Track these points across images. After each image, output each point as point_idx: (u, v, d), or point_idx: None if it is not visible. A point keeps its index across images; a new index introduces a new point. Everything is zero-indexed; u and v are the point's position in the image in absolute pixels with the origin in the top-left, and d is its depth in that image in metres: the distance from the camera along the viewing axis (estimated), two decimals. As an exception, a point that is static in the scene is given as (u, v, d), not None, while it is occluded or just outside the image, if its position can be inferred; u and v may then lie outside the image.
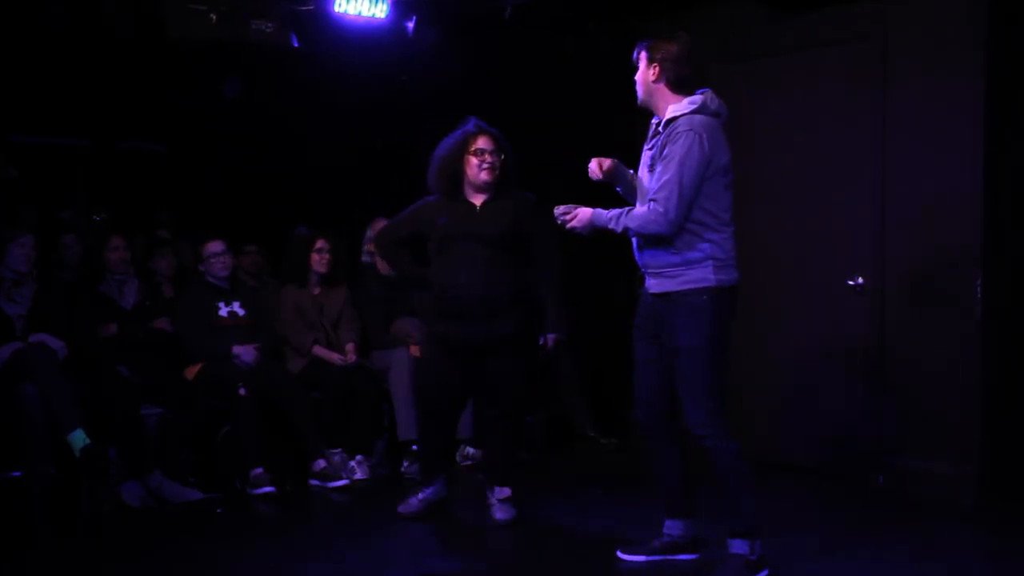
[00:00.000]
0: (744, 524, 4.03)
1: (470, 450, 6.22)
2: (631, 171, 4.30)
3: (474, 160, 4.83)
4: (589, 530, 4.88)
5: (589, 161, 4.22)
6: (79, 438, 4.99)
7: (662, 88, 4.09)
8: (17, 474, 5.02)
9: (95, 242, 6.32)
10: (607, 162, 4.21)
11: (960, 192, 5.33)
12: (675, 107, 4.04)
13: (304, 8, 6.17)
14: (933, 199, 5.45)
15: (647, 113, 4.23)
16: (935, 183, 5.44)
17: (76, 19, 6.14)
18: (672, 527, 4.34)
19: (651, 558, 4.32)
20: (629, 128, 6.87)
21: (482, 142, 4.85)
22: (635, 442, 6.67)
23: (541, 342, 4.98)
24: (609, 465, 6.35)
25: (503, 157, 4.87)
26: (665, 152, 3.97)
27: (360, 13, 6.29)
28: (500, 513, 4.98)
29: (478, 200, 4.89)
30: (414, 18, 6.52)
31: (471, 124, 4.92)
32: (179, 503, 5.39)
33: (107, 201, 7.86)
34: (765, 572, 4.03)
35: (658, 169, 3.98)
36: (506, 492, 5.01)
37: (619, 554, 4.37)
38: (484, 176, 4.83)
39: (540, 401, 6.82)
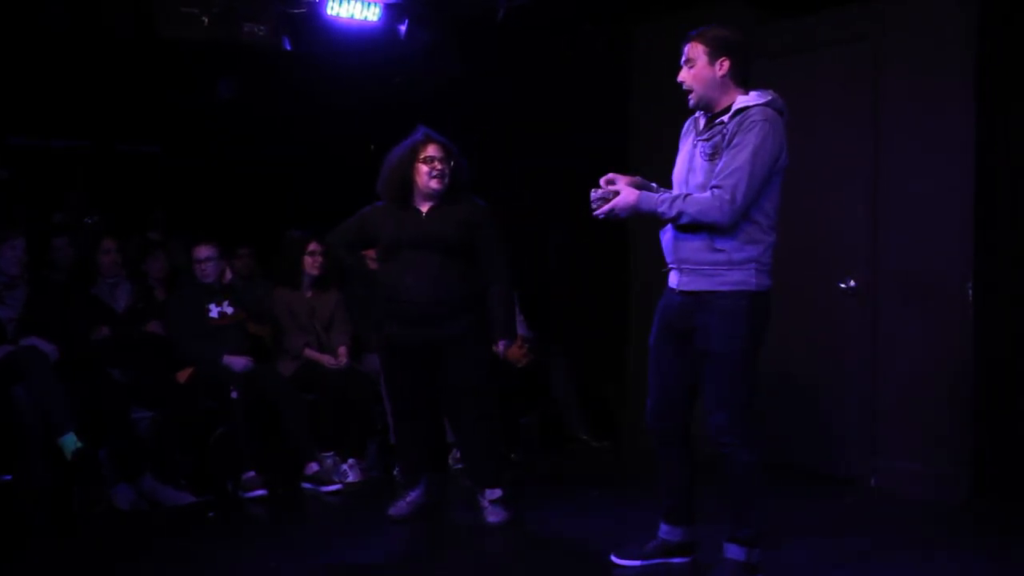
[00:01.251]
0: (747, 532, 3.98)
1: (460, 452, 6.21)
2: (653, 184, 4.07)
3: (424, 168, 4.87)
4: (582, 533, 4.87)
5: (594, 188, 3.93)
6: (71, 441, 4.98)
7: (728, 82, 3.84)
8: (8, 477, 5.02)
9: (87, 244, 6.31)
10: (622, 179, 3.91)
11: (953, 194, 5.34)
12: (744, 98, 3.81)
13: (296, 11, 6.17)
14: (926, 201, 5.46)
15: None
16: (928, 185, 5.45)
17: (72, 20, 6.14)
18: (668, 532, 4.30)
19: (645, 562, 4.29)
20: (623, 129, 6.92)
21: (431, 150, 4.88)
22: (628, 445, 6.70)
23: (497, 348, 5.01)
24: (602, 468, 6.34)
25: (452, 164, 4.90)
26: (737, 140, 3.73)
27: (352, 16, 6.30)
28: (492, 516, 4.98)
29: (425, 207, 4.92)
30: (406, 21, 6.53)
31: (420, 133, 4.95)
32: (171, 506, 5.38)
33: (101, 203, 7.85)
34: None
35: (724, 158, 3.74)
36: (497, 493, 5.01)
37: (612, 558, 4.35)
38: (434, 184, 4.86)
39: (532, 403, 6.82)
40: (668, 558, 4.30)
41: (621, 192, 3.85)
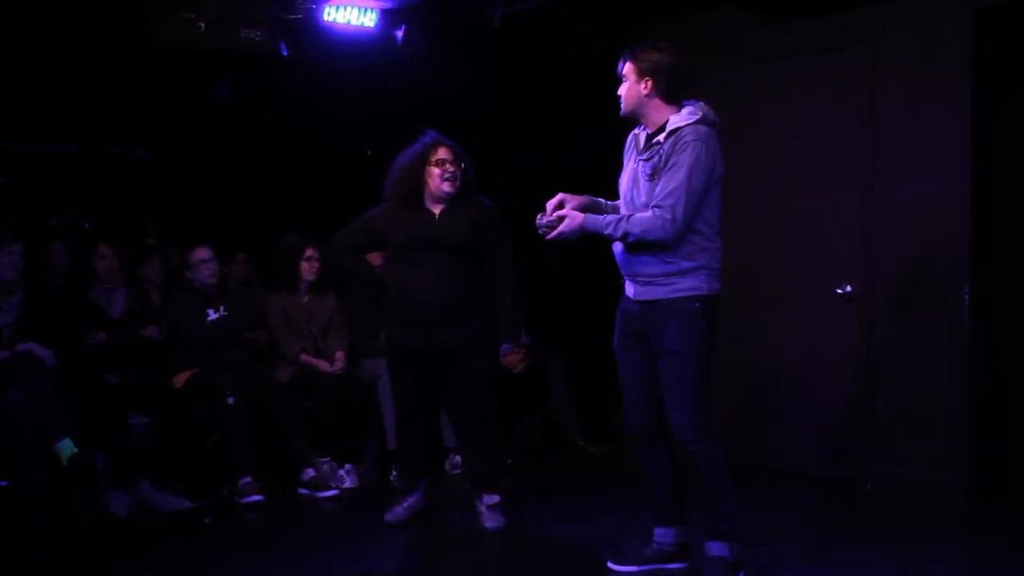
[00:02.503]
0: (723, 526, 4.08)
1: (458, 458, 6.20)
2: (601, 199, 4.29)
3: (436, 171, 4.88)
4: (579, 538, 4.87)
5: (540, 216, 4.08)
6: (67, 447, 4.97)
7: (655, 100, 4.08)
8: (4, 483, 5.00)
9: (83, 250, 6.30)
10: (572, 200, 4.13)
11: (949, 199, 5.35)
12: (676, 117, 4.03)
13: (293, 16, 6.16)
14: (922, 206, 5.47)
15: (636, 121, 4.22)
16: (924, 190, 5.46)
17: (68, 25, 6.14)
18: (662, 535, 4.34)
19: (641, 568, 4.32)
20: (621, 132, 6.92)
21: (443, 153, 4.90)
22: (625, 450, 6.70)
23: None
24: (599, 473, 6.34)
25: (463, 167, 4.91)
26: (672, 161, 3.95)
27: (349, 22, 6.30)
28: (489, 521, 4.97)
29: (436, 209, 4.92)
30: (403, 27, 6.53)
31: (429, 136, 4.97)
32: (167, 512, 5.37)
33: (97, 207, 7.84)
34: (742, 574, 4.08)
35: (663, 178, 3.97)
36: (494, 499, 5.01)
37: (609, 564, 4.36)
38: (446, 187, 4.88)
39: (530, 409, 6.82)
40: (664, 563, 4.32)
41: (568, 217, 4.04)
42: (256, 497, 5.55)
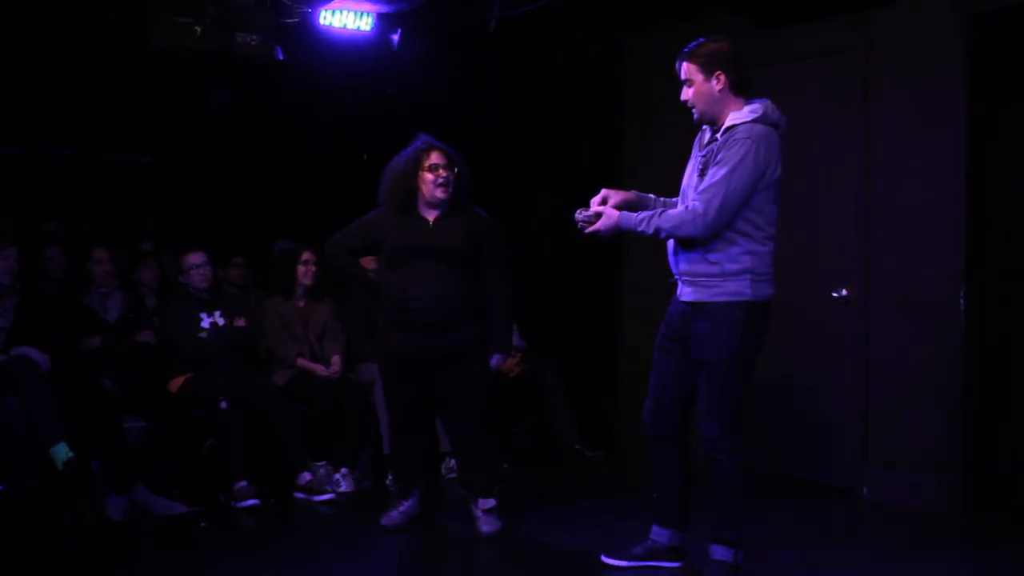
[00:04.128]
0: (731, 533, 4.05)
1: (453, 462, 6.20)
2: (651, 195, 4.23)
3: (429, 176, 4.86)
4: (575, 543, 4.86)
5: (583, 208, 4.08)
6: (62, 451, 4.97)
7: (727, 95, 3.96)
8: (0, 488, 5.00)
9: (79, 254, 6.30)
10: (615, 196, 4.08)
11: (943, 203, 5.37)
12: (736, 115, 3.93)
13: (289, 21, 6.17)
14: (917, 210, 5.48)
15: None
16: (919, 195, 5.47)
17: (63, 29, 6.13)
18: (659, 534, 4.34)
19: (634, 564, 4.33)
20: (614, 140, 6.94)
21: (435, 158, 4.88)
22: (620, 455, 6.70)
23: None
24: (595, 477, 6.34)
25: (456, 171, 4.90)
26: (719, 157, 3.88)
27: (345, 26, 6.31)
28: (486, 525, 4.97)
29: (431, 215, 4.91)
30: (399, 31, 6.54)
31: (421, 140, 4.95)
32: (163, 516, 5.36)
33: (93, 212, 7.83)
34: None
35: (709, 172, 3.90)
36: (490, 503, 5.01)
37: (603, 558, 4.41)
38: (439, 193, 4.85)
39: (526, 413, 6.82)
40: (658, 561, 4.33)
41: (604, 214, 4.01)
42: (252, 501, 5.54)
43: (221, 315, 6.04)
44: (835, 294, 5.77)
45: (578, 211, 4.05)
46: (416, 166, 4.89)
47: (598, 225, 4.00)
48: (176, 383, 5.86)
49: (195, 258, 6.04)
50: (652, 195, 4.23)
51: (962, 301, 5.30)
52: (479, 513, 5.00)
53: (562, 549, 4.83)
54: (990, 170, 5.31)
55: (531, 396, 6.76)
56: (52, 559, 4.78)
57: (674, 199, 4.19)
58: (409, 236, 4.86)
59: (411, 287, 4.81)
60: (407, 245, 4.85)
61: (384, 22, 6.50)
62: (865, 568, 4.49)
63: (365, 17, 6.35)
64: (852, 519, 5.37)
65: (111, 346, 5.87)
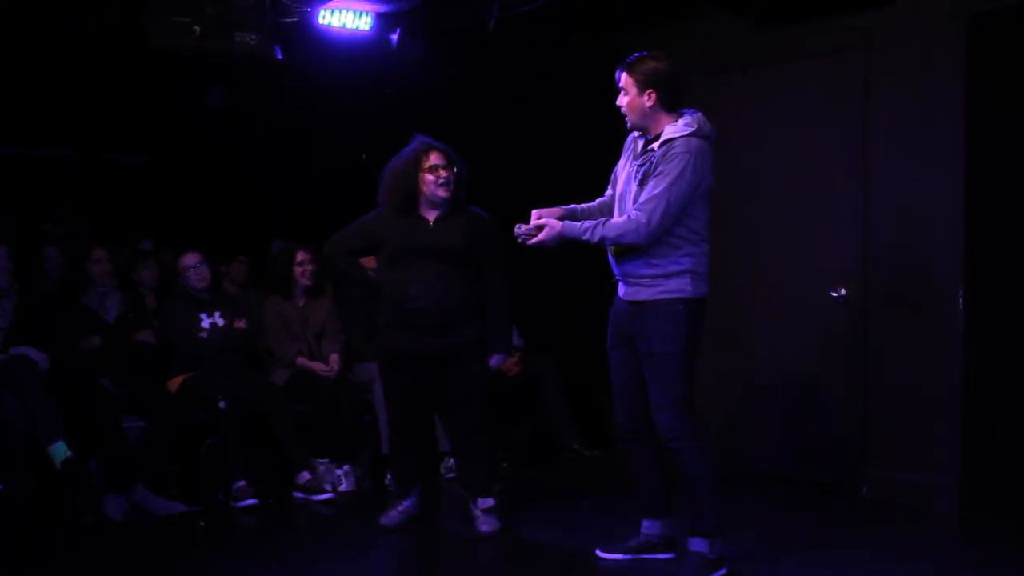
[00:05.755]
0: (706, 523, 4.16)
1: (453, 462, 6.20)
2: (578, 206, 4.41)
3: (429, 177, 4.87)
4: (574, 542, 4.86)
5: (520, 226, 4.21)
6: (60, 451, 4.97)
7: (658, 111, 4.15)
8: (-1, 487, 5.00)
9: (78, 254, 6.30)
10: (549, 211, 4.26)
11: (942, 203, 5.36)
12: (671, 128, 4.12)
13: (288, 20, 6.17)
14: (916, 211, 5.48)
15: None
16: (917, 195, 5.47)
17: (62, 29, 6.13)
18: (649, 527, 4.47)
19: (628, 556, 4.45)
20: (615, 140, 6.92)
21: (435, 158, 4.89)
22: (620, 454, 6.69)
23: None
24: (594, 477, 6.33)
25: (455, 171, 4.91)
26: (659, 169, 4.07)
27: (344, 25, 6.30)
28: (485, 525, 4.97)
29: (432, 216, 4.91)
30: (398, 30, 6.54)
31: (419, 141, 4.96)
32: (162, 516, 5.36)
33: (91, 212, 7.83)
34: (723, 571, 4.16)
35: (650, 184, 4.07)
36: (489, 503, 5.01)
37: (598, 552, 4.50)
38: (440, 193, 4.87)
39: (524, 413, 6.82)
40: (651, 554, 4.44)
41: (547, 225, 4.17)
42: (251, 501, 5.54)
43: (221, 315, 6.04)
44: (834, 294, 5.77)
45: (517, 225, 4.20)
46: (416, 167, 4.89)
47: (541, 236, 4.15)
48: (175, 383, 5.86)
49: (189, 259, 6.04)
50: (579, 206, 4.41)
51: (961, 301, 5.30)
52: (478, 513, 5.01)
53: (561, 549, 4.83)
54: (989, 170, 5.30)
55: (530, 396, 6.76)
56: (51, 559, 4.79)
57: (595, 203, 4.41)
58: (409, 236, 4.87)
59: (411, 287, 4.81)
60: (407, 245, 4.86)
61: (383, 22, 6.49)
62: (865, 568, 4.49)
63: (364, 17, 6.34)
64: (852, 519, 5.37)
65: (110, 346, 5.87)
